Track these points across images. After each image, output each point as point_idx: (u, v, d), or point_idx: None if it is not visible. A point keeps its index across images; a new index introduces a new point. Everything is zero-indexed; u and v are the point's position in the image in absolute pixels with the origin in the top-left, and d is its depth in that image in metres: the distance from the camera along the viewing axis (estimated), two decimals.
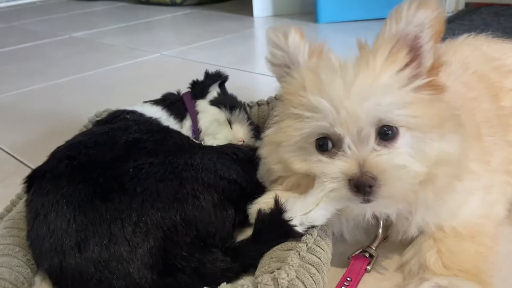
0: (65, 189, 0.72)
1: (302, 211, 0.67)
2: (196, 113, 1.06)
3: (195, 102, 1.07)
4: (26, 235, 0.76)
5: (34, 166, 0.83)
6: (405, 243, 0.75)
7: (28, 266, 0.75)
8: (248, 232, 0.79)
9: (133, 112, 0.98)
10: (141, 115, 0.98)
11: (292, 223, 0.68)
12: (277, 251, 0.69)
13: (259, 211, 0.71)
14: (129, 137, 0.85)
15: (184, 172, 0.77)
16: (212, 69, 1.16)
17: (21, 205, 0.85)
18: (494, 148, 0.78)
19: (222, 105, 1.06)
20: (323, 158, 0.66)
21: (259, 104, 1.22)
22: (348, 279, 0.70)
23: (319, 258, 0.67)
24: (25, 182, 0.81)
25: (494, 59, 0.92)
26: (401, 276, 0.71)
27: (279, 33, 0.73)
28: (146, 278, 0.67)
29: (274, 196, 0.70)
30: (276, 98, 1.18)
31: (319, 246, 0.69)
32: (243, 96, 1.18)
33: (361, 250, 0.75)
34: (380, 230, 0.75)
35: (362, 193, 0.61)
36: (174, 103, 1.06)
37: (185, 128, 1.05)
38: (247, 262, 0.71)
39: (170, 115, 1.03)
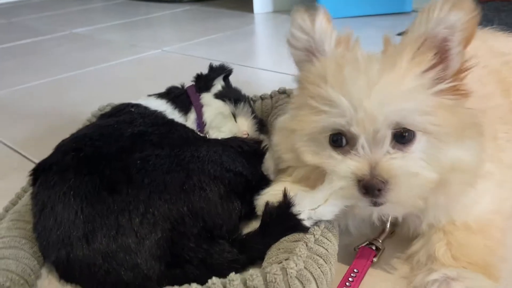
0: (72, 181, 0.72)
1: (310, 206, 0.67)
2: (201, 106, 1.05)
3: (199, 95, 1.07)
4: (33, 227, 0.76)
5: (36, 161, 0.83)
6: (412, 237, 0.75)
7: (34, 258, 0.74)
8: (254, 225, 0.79)
9: (137, 106, 0.98)
10: (146, 108, 0.98)
11: (300, 217, 0.68)
12: (284, 242, 0.69)
13: (267, 203, 0.71)
14: (134, 129, 0.85)
15: (191, 164, 0.77)
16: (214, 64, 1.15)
17: (26, 198, 0.85)
18: (506, 146, 0.77)
19: (226, 98, 1.06)
20: (335, 154, 0.65)
21: (262, 98, 1.22)
22: (355, 270, 0.70)
23: (326, 249, 0.67)
24: (30, 175, 0.80)
25: (503, 54, 0.91)
26: (408, 268, 0.72)
27: (306, 16, 0.70)
28: (154, 269, 0.67)
29: (283, 189, 0.69)
30: (285, 91, 1.18)
31: (326, 238, 0.69)
32: (245, 91, 1.18)
33: (367, 242, 0.75)
34: (388, 225, 0.75)
35: (370, 195, 0.61)
36: (179, 97, 1.06)
37: (190, 121, 1.04)
38: (254, 254, 0.71)
39: (175, 108, 1.03)
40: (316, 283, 0.61)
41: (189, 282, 0.62)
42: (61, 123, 1.41)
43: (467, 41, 0.63)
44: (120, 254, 0.67)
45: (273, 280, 0.59)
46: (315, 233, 0.68)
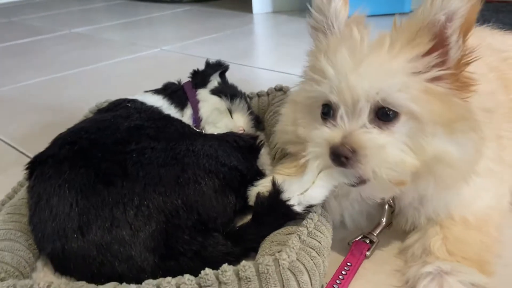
0: (67, 173, 0.72)
1: (299, 191, 0.68)
2: (197, 102, 1.06)
3: (196, 91, 1.08)
4: (28, 220, 0.76)
5: None
6: (407, 231, 0.75)
7: (30, 250, 0.75)
8: (249, 219, 0.79)
9: (134, 101, 0.99)
10: (142, 103, 0.99)
11: (290, 203, 0.68)
12: (277, 235, 0.69)
13: (258, 193, 0.72)
14: (131, 123, 0.85)
15: (186, 158, 0.77)
16: None
17: (23, 192, 0.85)
18: (507, 144, 0.77)
19: (222, 94, 1.07)
20: (319, 126, 0.67)
21: (259, 95, 1.23)
22: (349, 264, 0.71)
23: (319, 242, 0.67)
24: (26, 169, 0.81)
25: (501, 51, 0.91)
26: (402, 262, 0.72)
27: None
28: (148, 261, 0.67)
29: (271, 177, 0.70)
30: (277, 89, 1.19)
31: (319, 231, 0.69)
32: (243, 89, 1.18)
33: (362, 236, 0.75)
34: (384, 218, 0.75)
35: (338, 163, 0.62)
36: (175, 92, 1.06)
37: (186, 117, 1.05)
38: (247, 245, 0.71)
39: (171, 103, 1.03)
40: (309, 275, 0.62)
41: (183, 274, 0.62)
42: (60, 119, 1.42)
43: (466, 29, 0.62)
44: (114, 246, 0.67)
45: (265, 271, 0.59)
46: (308, 226, 0.68)
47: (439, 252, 0.67)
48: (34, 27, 3.05)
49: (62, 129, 0.89)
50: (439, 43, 0.63)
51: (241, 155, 0.85)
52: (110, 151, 0.76)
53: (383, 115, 0.63)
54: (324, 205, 0.74)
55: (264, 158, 1.00)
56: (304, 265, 0.62)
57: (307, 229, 0.68)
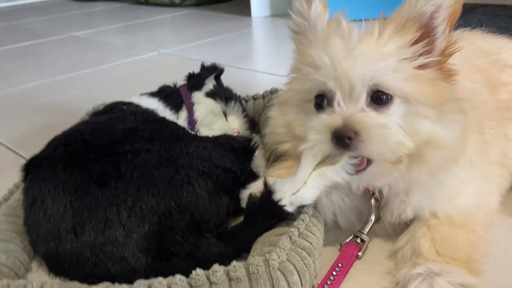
0: (62, 175, 0.73)
1: (291, 191, 0.68)
2: (192, 104, 1.07)
3: (191, 94, 1.09)
4: (23, 221, 0.77)
5: None
6: (397, 231, 0.76)
7: (25, 252, 0.75)
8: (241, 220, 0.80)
9: (129, 104, 1.00)
10: (138, 106, 0.99)
11: (282, 203, 0.68)
12: (269, 236, 0.70)
13: (250, 195, 0.73)
14: (126, 125, 0.86)
15: (180, 159, 0.78)
16: None
17: (18, 194, 0.86)
18: (493, 141, 0.79)
19: (217, 97, 1.07)
20: (315, 116, 0.68)
21: (254, 98, 1.23)
22: (340, 265, 0.71)
23: (310, 243, 0.68)
24: (22, 170, 0.82)
25: (490, 53, 0.93)
26: (392, 264, 0.72)
27: (304, 1, 0.75)
28: (141, 262, 0.68)
29: (263, 178, 0.71)
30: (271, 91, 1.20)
31: (310, 232, 0.70)
32: (240, 92, 1.19)
33: (352, 236, 0.76)
34: (372, 213, 0.75)
35: (342, 146, 0.63)
36: (171, 95, 1.07)
37: (181, 119, 1.06)
38: (240, 246, 0.72)
39: (166, 106, 1.04)
40: (299, 275, 0.62)
41: (175, 275, 0.63)
42: (57, 122, 1.41)
43: (452, 19, 0.66)
44: (107, 247, 0.68)
45: (256, 272, 0.60)
46: (299, 227, 0.69)
47: (428, 253, 0.68)
48: (34, 30, 3.07)
49: (60, 131, 0.90)
50: (425, 33, 0.67)
51: (235, 157, 0.86)
52: (104, 152, 0.76)
53: (378, 99, 0.66)
54: (316, 205, 0.74)
55: (258, 160, 1.00)
56: (294, 265, 0.63)
57: (298, 230, 0.69)
